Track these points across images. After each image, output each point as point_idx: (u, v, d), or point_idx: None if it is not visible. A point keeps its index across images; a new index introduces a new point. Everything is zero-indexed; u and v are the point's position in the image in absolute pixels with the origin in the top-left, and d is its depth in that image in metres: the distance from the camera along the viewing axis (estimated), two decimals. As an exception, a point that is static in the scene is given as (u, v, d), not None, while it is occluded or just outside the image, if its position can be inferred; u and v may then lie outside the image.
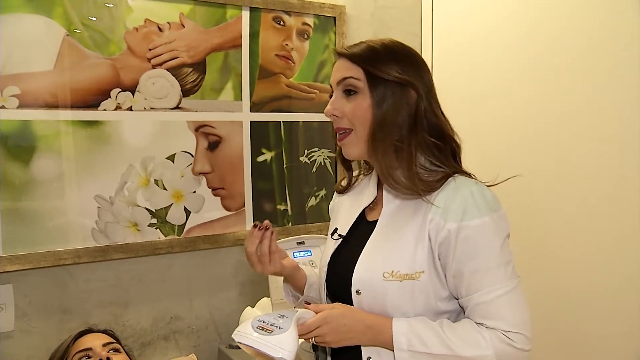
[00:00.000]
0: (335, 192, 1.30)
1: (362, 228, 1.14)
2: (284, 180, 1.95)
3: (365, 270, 1.06)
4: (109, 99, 1.62)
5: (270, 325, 0.98)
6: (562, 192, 1.73)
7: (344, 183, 1.27)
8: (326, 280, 1.16)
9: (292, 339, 0.96)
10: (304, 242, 1.76)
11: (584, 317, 1.69)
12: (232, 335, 1.00)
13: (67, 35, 1.55)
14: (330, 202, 1.31)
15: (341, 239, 1.16)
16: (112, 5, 1.61)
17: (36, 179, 1.53)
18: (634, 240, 1.56)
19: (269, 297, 1.72)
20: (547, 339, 1.75)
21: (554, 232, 1.76)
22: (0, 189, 1.48)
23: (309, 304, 1.07)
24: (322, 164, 2.03)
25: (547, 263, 1.77)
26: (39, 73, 1.52)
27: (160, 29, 1.69)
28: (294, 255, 1.73)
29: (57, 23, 1.54)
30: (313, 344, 1.23)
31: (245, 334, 0.98)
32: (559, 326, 1.74)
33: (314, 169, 2.01)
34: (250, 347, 0.97)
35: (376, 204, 1.15)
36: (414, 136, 1.05)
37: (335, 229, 1.19)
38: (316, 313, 1.03)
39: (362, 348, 1.06)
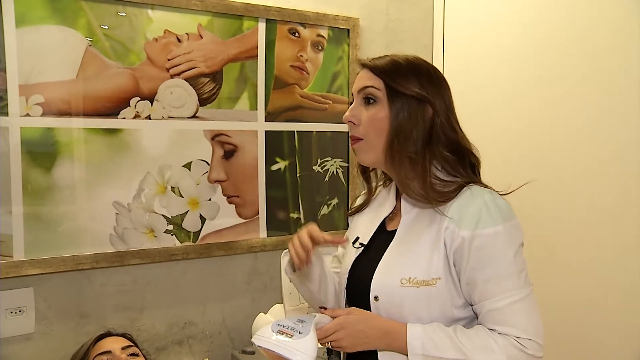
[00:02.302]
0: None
1: (382, 237, 1.17)
2: (297, 189, 1.98)
3: (384, 277, 1.09)
4: (129, 107, 1.66)
5: (290, 329, 1.00)
6: (571, 200, 1.75)
7: (359, 201, 1.30)
8: (346, 287, 1.19)
9: (312, 343, 0.98)
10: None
11: (584, 321, 1.71)
12: (252, 339, 1.02)
13: (90, 45, 1.60)
14: (349, 218, 1.33)
15: (362, 248, 1.19)
16: (131, 16, 1.65)
17: (57, 185, 1.57)
18: (635, 245, 1.58)
19: (281, 303, 1.74)
20: (553, 345, 1.76)
21: (562, 239, 1.78)
22: (23, 194, 1.52)
23: (325, 308, 1.09)
24: (335, 173, 2.06)
25: (555, 270, 1.79)
26: (62, 82, 1.56)
27: (179, 40, 1.73)
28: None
29: (80, 34, 1.58)
30: (328, 348, 1.25)
31: (266, 337, 1.00)
32: (564, 332, 1.76)
33: (327, 178, 2.04)
34: (271, 350, 0.99)
35: (395, 214, 1.18)
36: (428, 150, 1.09)
37: (357, 238, 1.22)
38: (333, 318, 1.05)
39: (378, 354, 1.08)
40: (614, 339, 1.64)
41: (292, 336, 0.99)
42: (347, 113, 1.13)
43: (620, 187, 1.62)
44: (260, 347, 1.00)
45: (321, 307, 1.12)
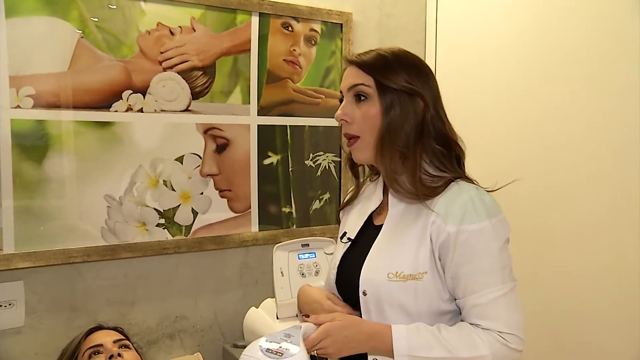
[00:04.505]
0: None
1: (369, 232, 1.17)
2: (289, 184, 1.98)
3: (371, 272, 1.10)
4: (121, 100, 1.65)
5: (279, 347, 0.97)
6: (569, 199, 1.75)
7: (348, 197, 1.31)
8: (336, 282, 1.20)
9: (304, 358, 0.96)
10: (308, 244, 1.79)
11: (582, 322, 1.72)
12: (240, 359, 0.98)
13: (82, 37, 1.58)
14: (340, 212, 1.33)
15: (350, 242, 1.20)
16: (124, 9, 1.64)
17: (48, 177, 1.56)
18: (634, 246, 1.59)
19: (273, 298, 1.75)
20: (545, 344, 1.78)
21: (559, 239, 1.78)
22: (13, 187, 1.51)
23: (308, 316, 1.09)
24: (327, 167, 2.06)
25: (546, 268, 1.80)
26: (54, 74, 1.55)
27: (171, 33, 1.72)
28: (298, 257, 1.76)
29: (72, 25, 1.57)
30: (312, 355, 1.24)
31: (255, 357, 0.96)
32: (557, 331, 1.77)
33: (319, 173, 2.04)
34: None
35: (382, 208, 1.19)
36: (419, 143, 1.09)
37: (345, 233, 1.23)
38: (317, 325, 1.04)
39: (367, 354, 1.08)
40: (613, 339, 1.64)
41: (282, 354, 0.96)
42: (338, 111, 1.13)
43: (617, 185, 1.63)
44: None
45: (304, 315, 1.11)
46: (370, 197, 1.23)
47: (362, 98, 1.10)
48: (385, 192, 1.19)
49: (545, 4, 1.82)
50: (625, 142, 1.61)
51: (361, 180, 1.28)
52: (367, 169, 1.27)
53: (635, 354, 1.59)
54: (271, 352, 0.96)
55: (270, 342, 0.98)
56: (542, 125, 1.82)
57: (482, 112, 2.02)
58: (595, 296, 1.69)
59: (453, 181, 1.09)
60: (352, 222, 1.23)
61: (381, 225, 1.15)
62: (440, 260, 1.06)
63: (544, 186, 1.80)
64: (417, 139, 1.09)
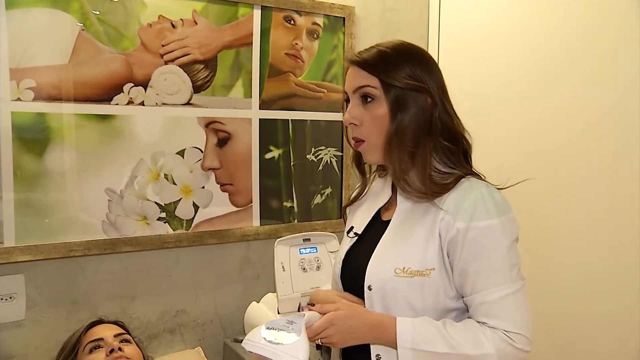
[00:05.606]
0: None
1: (377, 227, 1.16)
2: (291, 178, 1.97)
3: (378, 266, 1.09)
4: (122, 93, 1.64)
5: (281, 334, 0.97)
6: (570, 197, 1.74)
7: (355, 194, 1.30)
8: (341, 277, 1.19)
9: (304, 346, 0.96)
10: (310, 239, 1.79)
11: (582, 322, 1.71)
12: (243, 344, 0.99)
13: (83, 29, 1.57)
14: (346, 207, 1.32)
15: (356, 237, 1.19)
16: (125, 1, 1.63)
17: (49, 171, 1.55)
18: (634, 246, 1.58)
19: (274, 292, 1.74)
20: (545, 344, 1.78)
21: (552, 236, 1.78)
22: (13, 180, 1.50)
23: (313, 305, 1.08)
24: (329, 162, 2.05)
25: (545, 268, 1.79)
26: (55, 66, 1.54)
27: (173, 26, 1.71)
28: (299, 252, 1.76)
29: (73, 17, 1.56)
30: (317, 344, 1.24)
31: (256, 342, 0.97)
32: (557, 331, 1.77)
33: (321, 167, 2.04)
34: (262, 356, 0.96)
35: (391, 204, 1.18)
36: (429, 140, 1.08)
37: (351, 228, 1.22)
38: (322, 314, 1.04)
39: (370, 346, 1.08)
40: (613, 339, 1.63)
41: (283, 339, 0.96)
42: (346, 115, 1.11)
43: (619, 184, 1.62)
44: (251, 352, 0.97)
45: (309, 304, 1.10)
46: (379, 193, 1.22)
47: (369, 99, 1.08)
48: (394, 188, 1.18)
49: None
50: (627, 141, 1.59)
51: (368, 176, 1.27)
52: (373, 166, 1.26)
53: (635, 354, 1.58)
54: (272, 337, 0.96)
55: (272, 328, 0.98)
56: (543, 123, 1.81)
57: (483, 109, 2.01)
58: (595, 296, 1.68)
59: (463, 177, 1.08)
60: (359, 217, 1.23)
61: (389, 221, 1.14)
62: (448, 256, 1.05)
63: (543, 185, 1.78)
64: (426, 136, 1.08)
